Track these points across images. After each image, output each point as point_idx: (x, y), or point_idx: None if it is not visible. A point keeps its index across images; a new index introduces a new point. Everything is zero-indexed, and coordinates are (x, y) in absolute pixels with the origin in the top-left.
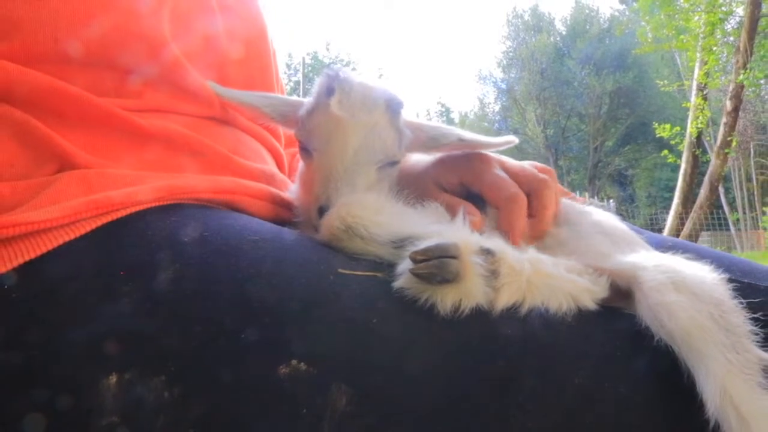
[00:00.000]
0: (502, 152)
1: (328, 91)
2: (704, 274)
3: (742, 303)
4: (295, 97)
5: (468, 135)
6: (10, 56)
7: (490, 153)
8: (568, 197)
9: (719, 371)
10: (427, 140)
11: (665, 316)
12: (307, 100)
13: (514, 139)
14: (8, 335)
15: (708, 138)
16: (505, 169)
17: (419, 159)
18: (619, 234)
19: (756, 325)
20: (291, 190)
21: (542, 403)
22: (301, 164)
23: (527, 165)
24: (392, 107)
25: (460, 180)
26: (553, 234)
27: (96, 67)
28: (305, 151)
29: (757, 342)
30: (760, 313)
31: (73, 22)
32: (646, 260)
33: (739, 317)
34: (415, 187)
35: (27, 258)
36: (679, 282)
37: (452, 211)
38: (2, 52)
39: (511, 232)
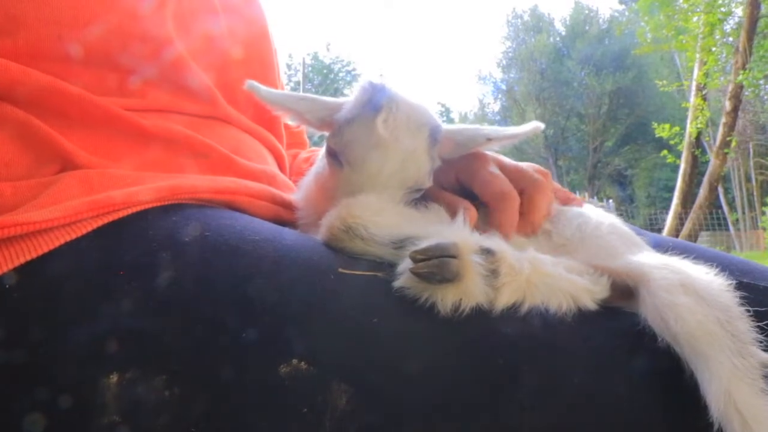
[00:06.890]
0: (502, 152)
1: (374, 107)
2: (712, 279)
3: (746, 308)
4: (333, 99)
5: (494, 132)
6: (14, 53)
7: (490, 151)
8: (568, 197)
9: (724, 375)
10: (454, 147)
11: (672, 317)
12: (346, 106)
13: (540, 125)
14: (9, 335)
15: (707, 138)
16: (501, 167)
17: None
18: (629, 236)
19: (755, 324)
20: (299, 189)
21: (542, 402)
22: (322, 165)
23: (525, 165)
24: (433, 134)
25: (456, 177)
26: (562, 232)
27: (99, 66)
28: (335, 158)
29: (760, 345)
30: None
31: (77, 20)
32: (655, 260)
33: (745, 323)
34: None
35: (28, 258)
36: (688, 284)
37: (452, 209)
38: (6, 49)
39: (500, 228)
